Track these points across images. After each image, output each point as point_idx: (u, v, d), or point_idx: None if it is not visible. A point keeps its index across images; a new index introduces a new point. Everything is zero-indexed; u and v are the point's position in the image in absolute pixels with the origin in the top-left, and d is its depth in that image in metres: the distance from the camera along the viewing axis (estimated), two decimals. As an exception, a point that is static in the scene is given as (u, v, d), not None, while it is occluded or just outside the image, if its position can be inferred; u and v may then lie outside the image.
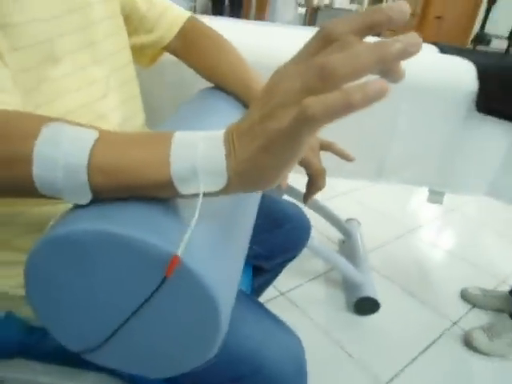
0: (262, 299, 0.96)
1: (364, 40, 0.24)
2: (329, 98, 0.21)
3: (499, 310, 1.28)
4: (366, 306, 1.21)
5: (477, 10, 4.39)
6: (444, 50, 1.10)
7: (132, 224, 0.28)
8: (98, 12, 0.52)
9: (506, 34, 3.16)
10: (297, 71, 0.24)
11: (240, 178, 0.27)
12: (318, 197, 1.53)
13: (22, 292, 0.47)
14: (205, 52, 0.66)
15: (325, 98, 0.21)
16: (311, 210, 1.46)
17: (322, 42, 0.24)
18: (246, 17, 3.32)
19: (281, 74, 0.26)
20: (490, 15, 3.47)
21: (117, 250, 0.27)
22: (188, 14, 0.68)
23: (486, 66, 0.90)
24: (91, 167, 0.27)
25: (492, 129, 0.90)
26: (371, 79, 0.21)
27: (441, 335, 1.20)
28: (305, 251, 0.92)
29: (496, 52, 3.18)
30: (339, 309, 1.26)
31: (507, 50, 3.21)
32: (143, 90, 0.65)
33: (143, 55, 0.68)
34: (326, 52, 0.24)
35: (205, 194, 0.28)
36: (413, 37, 0.22)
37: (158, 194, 0.29)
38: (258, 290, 0.89)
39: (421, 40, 0.22)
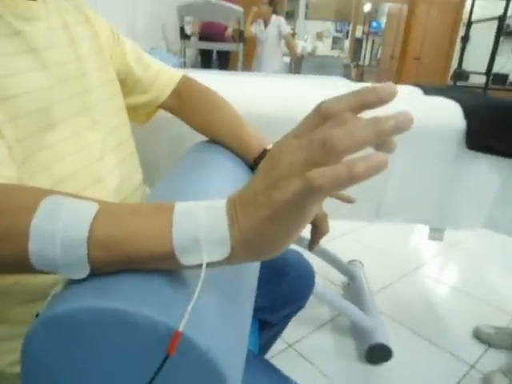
0: (269, 352, 0.91)
1: (358, 116, 0.26)
2: (335, 170, 0.23)
3: (516, 349, 1.23)
4: (377, 353, 1.16)
5: (452, 48, 4.65)
6: (428, 91, 1.15)
7: (131, 299, 0.27)
8: (93, 79, 0.53)
9: (483, 70, 3.32)
10: (299, 145, 0.25)
11: (244, 248, 0.27)
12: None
13: (17, 369, 0.44)
14: (199, 108, 0.67)
15: (330, 170, 0.23)
16: (312, 254, 1.43)
17: (320, 118, 0.26)
18: (234, 68, 3.47)
19: (283, 146, 0.26)
20: (466, 53, 3.66)
21: (116, 327, 0.26)
22: (181, 73, 0.70)
23: (471, 104, 0.94)
24: (91, 240, 0.27)
25: (484, 164, 0.92)
26: (367, 152, 0.23)
27: (460, 380, 1.14)
28: (310, 297, 0.89)
29: (476, 89, 3.33)
30: (350, 358, 1.20)
31: (486, 85, 3.35)
32: (139, 146, 0.65)
33: (138, 114, 0.70)
34: (325, 127, 0.25)
35: (208, 265, 0.27)
36: (405, 114, 0.24)
37: (159, 266, 0.29)
38: (266, 345, 0.86)
39: (412, 117, 0.24)
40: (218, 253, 0.27)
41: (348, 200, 0.63)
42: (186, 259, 0.27)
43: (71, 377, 0.28)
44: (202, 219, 0.27)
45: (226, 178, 0.55)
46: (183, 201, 0.30)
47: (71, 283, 0.29)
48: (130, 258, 0.28)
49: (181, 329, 0.25)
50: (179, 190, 0.47)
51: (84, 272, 0.27)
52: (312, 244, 0.56)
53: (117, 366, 0.27)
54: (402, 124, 0.24)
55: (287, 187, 0.25)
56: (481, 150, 0.89)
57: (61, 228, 0.26)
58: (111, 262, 0.28)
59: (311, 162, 0.24)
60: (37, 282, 0.43)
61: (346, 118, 0.25)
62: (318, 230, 0.55)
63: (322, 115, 0.26)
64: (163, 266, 0.29)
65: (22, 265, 0.27)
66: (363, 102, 0.26)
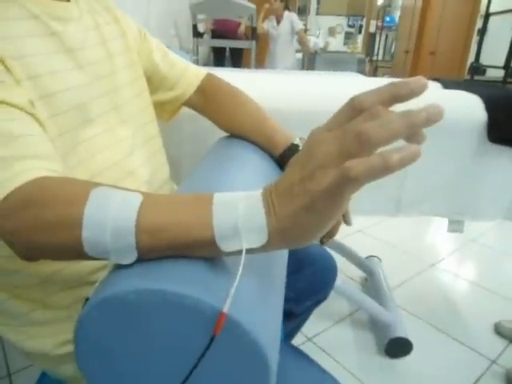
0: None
1: (390, 109, 0.27)
2: (370, 160, 0.24)
3: (538, 344, 1.22)
4: (398, 347, 1.16)
5: (469, 42, 4.55)
6: (447, 85, 1.13)
7: (177, 281, 0.28)
8: (122, 77, 0.55)
9: (501, 64, 3.25)
10: (334, 137, 0.26)
11: (280, 236, 0.28)
12: (336, 235, 1.52)
13: (61, 351, 0.46)
14: (223, 105, 0.69)
15: (366, 161, 0.24)
16: (331, 250, 1.44)
17: (353, 111, 0.27)
18: (247, 65, 3.47)
19: (318, 138, 0.28)
20: (483, 46, 3.59)
21: (164, 308, 0.27)
22: (205, 71, 0.71)
23: (492, 97, 0.93)
24: (138, 228, 0.28)
25: (505, 157, 0.91)
26: (401, 144, 0.24)
27: (481, 376, 1.13)
28: (329, 292, 0.90)
29: (496, 83, 3.26)
30: (370, 352, 1.20)
31: (504, 79, 3.28)
32: (163, 143, 0.67)
33: (164, 110, 0.71)
34: (358, 120, 0.26)
35: (247, 251, 0.28)
36: (435, 106, 0.25)
37: (201, 253, 0.30)
38: (289, 335, 0.87)
39: (443, 109, 0.25)
40: (257, 240, 0.28)
41: (347, 222, 0.64)
42: (226, 246, 0.29)
43: (122, 356, 0.30)
44: (240, 208, 0.28)
45: (252, 171, 0.56)
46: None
47: (118, 268, 0.30)
48: (174, 245, 0.29)
49: (225, 310, 0.26)
50: (208, 184, 0.48)
51: (132, 258, 0.29)
52: (323, 240, 0.60)
53: (165, 346, 0.29)
54: (434, 116, 0.25)
55: (323, 177, 0.26)
56: (503, 143, 0.88)
57: (111, 217, 0.28)
58: (156, 249, 0.29)
59: (346, 153, 0.25)
60: (77, 269, 0.45)
61: (379, 111, 0.26)
62: (329, 232, 0.58)
63: (355, 109, 0.27)
64: (205, 253, 0.30)
65: (76, 252, 0.29)
66: (395, 95, 0.26)
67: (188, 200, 0.31)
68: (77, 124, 0.46)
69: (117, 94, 0.53)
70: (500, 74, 3.33)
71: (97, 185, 0.31)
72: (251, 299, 0.30)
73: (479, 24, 3.88)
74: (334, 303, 1.37)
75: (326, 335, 1.26)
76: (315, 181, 0.26)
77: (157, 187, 0.60)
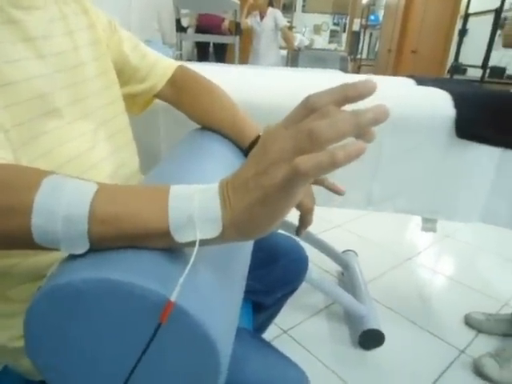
0: (264, 337, 0.93)
1: (341, 109, 0.28)
2: (318, 156, 0.25)
3: (505, 335, 1.26)
4: (370, 339, 1.18)
5: (449, 42, 4.63)
6: (420, 82, 1.16)
7: (126, 270, 0.28)
8: (90, 70, 0.54)
9: (480, 63, 3.32)
10: (288, 134, 0.28)
11: (235, 227, 0.29)
12: (314, 230, 1.53)
13: (19, 344, 0.46)
14: (195, 97, 0.69)
15: (314, 157, 0.25)
16: (308, 244, 1.45)
17: (307, 111, 0.29)
18: (230, 61, 3.46)
19: (273, 135, 0.29)
20: (463, 46, 3.66)
21: (111, 296, 0.27)
22: (178, 63, 0.71)
23: (461, 93, 0.95)
24: (91, 217, 0.28)
25: (476, 154, 0.92)
26: (349, 141, 0.26)
27: (450, 364, 1.17)
28: (305, 286, 0.91)
29: (470, 80, 3.33)
30: (344, 344, 1.22)
31: (482, 78, 3.36)
32: (138, 134, 0.67)
33: (134, 103, 0.70)
34: (311, 118, 0.28)
35: (200, 242, 0.29)
36: (381, 107, 0.27)
37: (156, 244, 0.30)
38: (261, 327, 0.88)
39: (388, 110, 0.27)
40: (211, 230, 0.29)
41: (339, 192, 0.65)
42: (180, 236, 0.29)
43: (71, 345, 0.30)
44: (196, 200, 0.29)
45: (219, 163, 0.56)
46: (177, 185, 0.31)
47: (70, 258, 0.30)
48: (128, 235, 0.29)
49: (173, 298, 0.26)
50: (173, 175, 0.48)
51: (83, 247, 0.29)
52: (298, 231, 0.61)
53: (115, 335, 0.29)
54: (379, 115, 0.26)
55: (276, 173, 0.27)
56: (471, 139, 0.90)
57: (62, 205, 0.28)
58: (109, 238, 0.29)
59: (299, 150, 0.27)
60: (36, 262, 0.45)
61: (330, 110, 0.27)
62: (304, 221, 0.59)
63: (309, 108, 0.28)
64: (159, 244, 0.30)
65: (24, 239, 0.29)
66: (345, 97, 0.28)
67: (145, 191, 0.31)
68: (36, 115, 0.45)
69: (82, 87, 0.52)
70: (480, 73, 3.40)
71: (51, 173, 0.30)
72: (204, 289, 0.31)
73: (460, 24, 3.95)
74: (310, 296, 1.39)
75: (301, 328, 1.28)
76: (269, 176, 0.27)
77: (121, 181, 0.59)
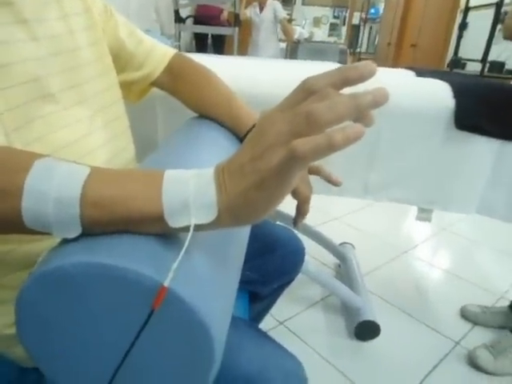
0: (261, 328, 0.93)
1: (340, 92, 0.27)
2: (315, 139, 0.24)
3: (501, 327, 1.26)
4: (366, 330, 1.19)
5: (449, 36, 4.61)
6: (420, 73, 1.15)
7: (120, 254, 0.27)
8: (86, 55, 0.53)
9: (479, 57, 3.31)
10: (285, 117, 0.27)
11: (230, 213, 0.28)
12: (312, 222, 1.54)
13: (11, 331, 0.46)
14: (192, 85, 0.68)
15: (312, 140, 0.24)
16: (305, 236, 1.45)
17: (304, 94, 0.28)
18: (229, 53, 3.43)
19: (269, 119, 0.28)
20: (463, 40, 3.64)
21: (106, 282, 0.27)
22: (174, 50, 0.70)
23: (461, 84, 0.94)
24: (83, 200, 0.28)
25: (475, 145, 0.92)
26: (348, 124, 0.25)
27: (445, 356, 1.17)
28: (302, 277, 0.91)
29: (470, 73, 3.32)
30: (340, 335, 1.23)
31: (481, 72, 3.35)
32: (136, 122, 0.66)
33: (131, 91, 0.70)
34: (309, 101, 0.27)
35: (195, 228, 0.28)
36: (381, 90, 0.26)
37: (149, 229, 0.29)
38: (257, 317, 0.88)
39: (388, 93, 0.26)
40: (206, 216, 0.28)
41: (335, 183, 0.65)
42: (174, 221, 0.28)
43: (63, 330, 0.29)
44: (191, 185, 0.28)
45: (215, 151, 0.56)
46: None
47: (62, 242, 0.29)
48: (121, 219, 0.28)
49: (166, 284, 0.26)
50: (168, 163, 0.48)
51: (75, 231, 0.28)
52: (296, 221, 0.60)
53: (108, 320, 0.28)
54: (379, 98, 0.26)
55: (272, 157, 0.26)
56: (470, 130, 0.89)
57: (54, 187, 0.27)
58: (102, 222, 0.28)
59: (296, 133, 0.26)
60: (30, 249, 0.44)
61: (329, 93, 0.27)
62: (301, 210, 0.58)
63: (307, 91, 0.28)
64: (153, 229, 0.29)
65: (14, 222, 0.28)
66: (345, 79, 0.27)
67: (139, 175, 0.31)
68: (31, 99, 0.44)
69: (78, 72, 0.52)
70: (479, 67, 3.39)
71: (43, 155, 0.30)
72: (198, 275, 0.30)
73: (460, 18, 3.93)
74: (306, 288, 1.39)
75: (298, 319, 1.28)
76: (265, 160, 0.27)
77: (119, 168, 0.59)
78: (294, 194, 0.57)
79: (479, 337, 1.24)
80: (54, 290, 0.28)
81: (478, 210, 0.98)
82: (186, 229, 0.28)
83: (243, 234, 0.49)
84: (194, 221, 0.28)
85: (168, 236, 0.31)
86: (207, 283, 0.31)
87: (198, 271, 0.30)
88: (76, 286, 0.27)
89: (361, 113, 0.26)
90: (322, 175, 0.65)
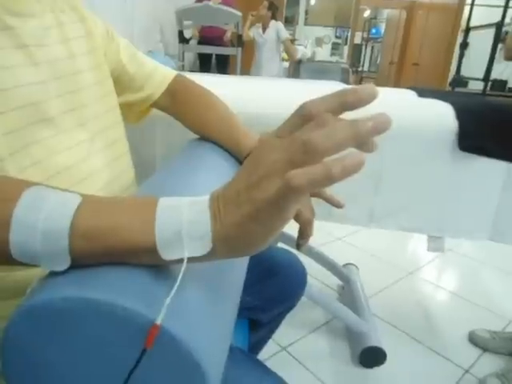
0: (262, 355, 0.91)
1: (339, 117, 0.26)
2: (312, 170, 0.23)
3: (511, 354, 1.22)
4: (371, 357, 1.15)
5: (450, 55, 4.66)
6: (422, 93, 1.15)
7: (110, 289, 0.26)
8: (87, 78, 0.53)
9: (481, 76, 3.33)
10: (282, 144, 0.26)
11: (225, 244, 0.27)
12: (314, 243, 1.51)
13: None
14: (193, 107, 0.68)
15: (308, 171, 0.23)
16: (307, 257, 1.43)
17: (302, 119, 0.27)
18: (232, 73, 3.48)
19: (266, 146, 0.27)
20: (464, 59, 3.67)
21: (96, 318, 0.26)
22: (175, 72, 0.70)
23: (463, 105, 0.93)
24: (73, 231, 0.27)
25: (481, 167, 0.89)
26: (348, 152, 0.24)
27: (454, 385, 1.13)
28: (305, 300, 0.89)
29: (472, 93, 3.33)
30: (344, 362, 1.19)
31: (484, 91, 3.37)
32: (135, 145, 0.65)
33: (131, 112, 0.70)
34: (306, 128, 0.26)
35: (189, 260, 0.27)
36: (382, 116, 0.24)
37: (141, 261, 0.28)
38: (257, 345, 0.85)
39: (390, 119, 0.24)
40: (200, 248, 0.27)
41: (338, 205, 0.63)
42: (167, 254, 0.27)
43: (51, 367, 0.28)
44: (185, 214, 0.27)
45: (215, 175, 0.55)
46: (170, 196, 0.30)
47: (51, 275, 0.28)
48: (112, 251, 0.28)
49: (159, 321, 0.25)
50: (166, 186, 0.47)
51: (64, 264, 0.27)
52: (299, 244, 0.59)
53: (97, 357, 0.27)
54: (380, 125, 0.24)
55: (268, 187, 0.25)
56: (473, 152, 0.88)
57: (42, 219, 0.26)
58: (92, 255, 0.28)
59: (292, 162, 0.25)
60: (17, 279, 0.43)
61: (327, 119, 0.25)
62: (304, 233, 0.57)
63: (304, 116, 0.27)
64: (145, 261, 0.28)
65: (2, 255, 0.27)
66: (344, 103, 0.26)
67: (132, 203, 0.29)
68: (29, 123, 0.44)
69: (78, 95, 0.51)
70: (481, 86, 3.41)
71: (33, 184, 0.29)
72: (193, 310, 0.29)
73: (461, 38, 3.98)
74: (310, 311, 1.36)
75: (300, 344, 1.25)
76: (261, 189, 0.25)
77: (117, 193, 0.58)
78: (296, 217, 0.55)
79: (489, 364, 1.19)
80: (41, 325, 0.26)
81: (490, 236, 0.94)
82: (180, 261, 0.27)
83: (242, 260, 0.47)
84: (187, 254, 0.27)
85: (161, 268, 0.30)
86: (202, 318, 0.29)
87: (192, 306, 0.29)
88: (65, 322, 0.26)
89: (360, 141, 0.24)
90: (324, 197, 0.63)
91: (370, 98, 0.26)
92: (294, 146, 0.25)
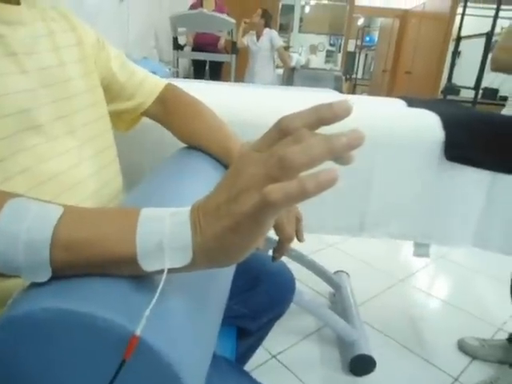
0: (252, 363, 0.90)
1: (316, 132, 0.27)
2: (287, 186, 0.24)
3: (500, 362, 1.23)
4: (361, 365, 1.15)
5: (442, 63, 4.72)
6: (411, 103, 1.16)
7: (90, 301, 0.26)
8: (77, 86, 0.54)
9: (473, 84, 3.37)
10: (260, 159, 0.27)
11: (205, 256, 0.28)
12: (305, 250, 1.51)
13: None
14: (182, 116, 0.68)
15: (284, 187, 0.24)
16: (298, 264, 1.43)
17: (279, 133, 0.27)
18: (226, 79, 3.49)
19: (245, 159, 0.28)
20: (456, 67, 3.72)
21: (75, 329, 0.26)
22: (166, 81, 0.71)
23: (451, 115, 0.94)
24: (54, 243, 0.27)
25: (467, 177, 0.91)
26: (323, 168, 0.25)
27: (443, 393, 1.13)
28: (295, 308, 0.88)
29: (460, 101, 3.36)
30: (335, 370, 1.19)
31: (475, 99, 3.41)
32: (123, 153, 0.65)
33: (121, 120, 0.70)
34: (283, 143, 0.27)
35: (169, 271, 0.28)
36: (356, 132, 0.25)
37: (122, 272, 0.29)
38: (246, 353, 0.85)
39: (363, 135, 0.26)
40: (180, 259, 0.27)
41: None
42: (148, 265, 0.28)
43: (30, 377, 0.28)
44: (166, 225, 0.27)
45: (203, 183, 0.55)
46: (156, 205, 0.30)
47: (31, 286, 0.28)
48: (93, 262, 0.28)
49: (138, 333, 0.25)
50: (153, 195, 0.47)
51: (45, 275, 0.27)
52: (273, 259, 0.61)
53: (77, 368, 0.27)
54: (353, 141, 0.25)
55: (247, 200, 0.26)
56: (460, 162, 0.89)
57: (24, 230, 0.27)
58: (73, 266, 0.28)
59: (269, 176, 0.25)
60: (6, 286, 0.43)
61: (303, 135, 0.26)
62: (281, 248, 0.59)
63: (282, 131, 0.27)
64: (126, 272, 0.29)
65: None
66: (320, 119, 0.27)
67: (114, 214, 0.30)
68: (18, 130, 0.44)
69: (68, 103, 0.52)
70: (473, 94, 3.45)
71: (15, 196, 0.29)
72: (174, 321, 0.29)
73: (452, 47, 4.03)
74: (300, 319, 1.36)
75: (290, 352, 1.24)
76: (239, 203, 0.26)
77: (106, 200, 0.58)
78: (278, 232, 0.56)
79: (478, 372, 1.20)
80: (21, 337, 0.26)
81: (473, 243, 0.96)
82: (161, 271, 0.28)
83: (227, 268, 0.47)
84: (168, 265, 0.27)
85: (142, 278, 0.30)
86: (183, 328, 0.30)
87: (173, 316, 0.29)
88: (45, 333, 0.26)
89: (335, 156, 0.25)
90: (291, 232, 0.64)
91: (345, 114, 0.26)
92: (271, 161, 0.26)
